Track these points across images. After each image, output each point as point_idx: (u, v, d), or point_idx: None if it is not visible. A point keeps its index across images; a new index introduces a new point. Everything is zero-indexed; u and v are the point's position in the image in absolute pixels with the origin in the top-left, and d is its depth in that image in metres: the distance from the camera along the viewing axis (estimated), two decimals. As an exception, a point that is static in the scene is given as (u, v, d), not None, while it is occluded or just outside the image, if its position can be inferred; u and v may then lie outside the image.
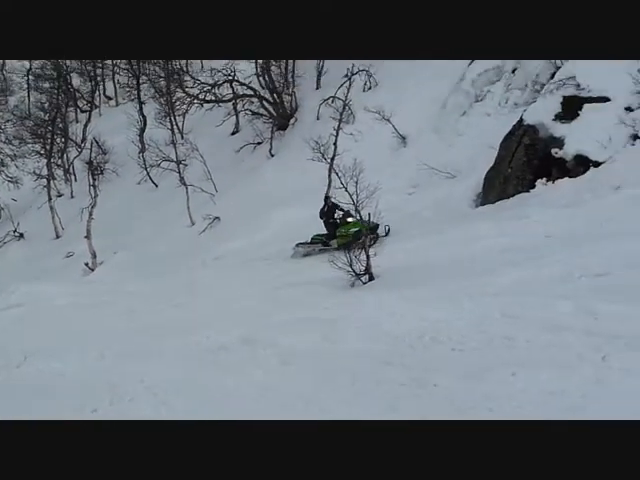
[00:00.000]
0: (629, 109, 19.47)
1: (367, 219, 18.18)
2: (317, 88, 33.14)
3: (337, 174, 17.42)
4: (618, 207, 15.58)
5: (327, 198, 20.05)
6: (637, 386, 7.19)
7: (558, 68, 21.91)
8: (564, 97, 20.28)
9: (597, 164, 18.82)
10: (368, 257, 14.62)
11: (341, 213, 19.64)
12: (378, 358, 9.50)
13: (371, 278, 14.59)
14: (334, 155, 20.19)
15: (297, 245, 19.94)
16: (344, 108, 24.19)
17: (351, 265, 14.54)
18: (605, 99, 19.80)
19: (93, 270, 26.74)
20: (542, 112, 20.40)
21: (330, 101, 28.16)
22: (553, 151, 19.59)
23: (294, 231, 21.76)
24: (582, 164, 19.01)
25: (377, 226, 18.32)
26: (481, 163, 21.28)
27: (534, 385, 7.58)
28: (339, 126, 22.53)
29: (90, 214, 28.40)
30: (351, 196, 15.40)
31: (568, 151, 19.32)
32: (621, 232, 13.45)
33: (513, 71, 24.63)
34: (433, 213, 20.34)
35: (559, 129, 19.76)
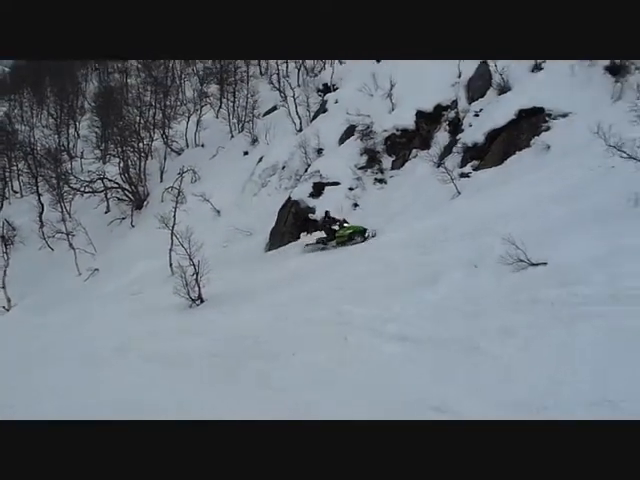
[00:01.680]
0: (351, 189, 20.74)
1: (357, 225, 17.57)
2: (161, 181, 32.50)
3: (176, 236, 17.15)
4: (350, 247, 16.55)
5: (327, 212, 18.98)
6: (367, 355, 7.69)
7: (309, 165, 22.81)
8: (314, 183, 21.12)
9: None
10: (199, 287, 14.47)
11: (337, 222, 18.18)
12: (209, 352, 9.53)
13: (202, 301, 14.42)
14: (174, 224, 19.72)
15: (306, 245, 18.35)
16: (179, 194, 23.77)
17: (188, 293, 14.34)
18: (337, 183, 20.87)
19: (8, 310, 24.60)
20: (301, 192, 21.12)
21: (170, 190, 27.60)
22: (309, 215, 20.35)
23: (149, 276, 21.10)
24: (327, 223, 19.95)
25: (365, 230, 17.36)
26: (267, 225, 21.69)
27: (307, 361, 7.91)
28: (176, 205, 22.07)
29: (4, 272, 26.71)
30: (186, 250, 15.17)
31: (318, 215, 20.16)
32: (350, 259, 14.24)
33: (283, 168, 25.27)
34: (240, 257, 20.44)
35: (312, 202, 20.59)
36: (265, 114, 33.22)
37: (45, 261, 30.68)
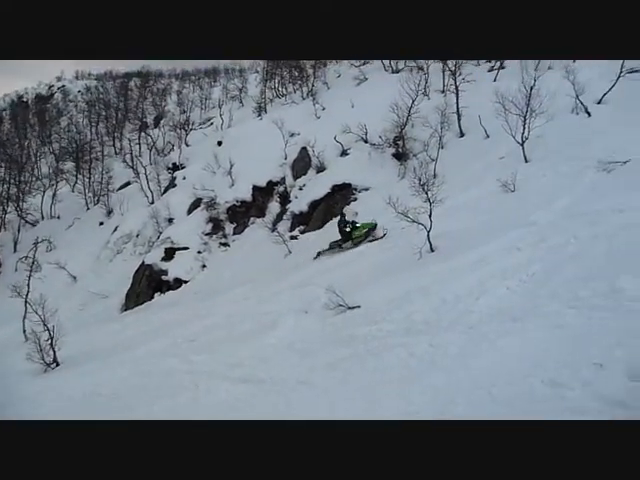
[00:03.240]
0: (199, 252, 20.27)
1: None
2: (15, 252, 28.67)
3: (29, 304, 15.17)
4: (214, 302, 15.70)
5: (342, 215, 15.79)
6: (216, 397, 7.29)
7: (161, 233, 21.94)
8: (165, 248, 20.38)
9: (186, 282, 19.13)
10: (54, 351, 12.83)
11: (349, 223, 15.11)
12: (63, 415, 8.34)
13: (58, 364, 12.74)
14: (28, 292, 17.42)
15: (318, 253, 15.37)
16: (33, 263, 21.20)
17: (43, 358, 12.59)
18: (187, 248, 20.34)
19: None
20: (154, 257, 20.21)
21: (24, 259, 24.43)
22: (162, 277, 19.43)
23: (1, 344, 18.19)
24: (178, 282, 19.20)
25: (376, 225, 14.62)
26: (123, 287, 20.22)
27: (164, 408, 7.30)
28: (30, 274, 19.57)
29: None
30: (40, 316, 13.41)
31: (170, 276, 19.36)
32: (200, 313, 13.58)
33: (137, 236, 23.94)
34: (96, 319, 18.63)
35: (164, 265, 19.76)
36: (119, 188, 31.55)
37: None
